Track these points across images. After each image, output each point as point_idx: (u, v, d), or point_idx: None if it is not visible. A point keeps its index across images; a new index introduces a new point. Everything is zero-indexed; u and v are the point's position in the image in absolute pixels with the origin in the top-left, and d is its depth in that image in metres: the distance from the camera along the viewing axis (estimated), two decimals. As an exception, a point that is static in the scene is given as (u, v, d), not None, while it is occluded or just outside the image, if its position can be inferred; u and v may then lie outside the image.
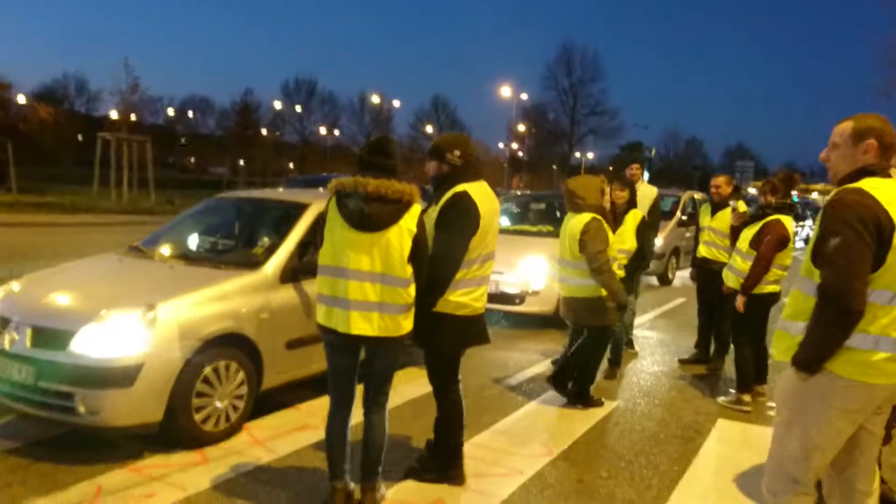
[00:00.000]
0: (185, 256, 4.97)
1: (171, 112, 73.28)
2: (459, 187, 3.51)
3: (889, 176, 2.52)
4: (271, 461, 4.05)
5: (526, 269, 7.70)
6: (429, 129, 65.92)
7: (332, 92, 71.83)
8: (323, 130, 69.80)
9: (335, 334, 3.31)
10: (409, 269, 3.28)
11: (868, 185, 2.46)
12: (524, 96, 56.04)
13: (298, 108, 69.39)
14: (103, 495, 3.51)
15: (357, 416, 3.48)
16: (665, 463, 4.29)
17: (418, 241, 3.31)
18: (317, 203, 5.03)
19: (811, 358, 2.48)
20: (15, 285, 4.60)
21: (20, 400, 3.96)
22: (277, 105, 67.16)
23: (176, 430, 4.01)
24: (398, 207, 3.24)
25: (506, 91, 49.56)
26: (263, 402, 4.60)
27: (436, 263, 3.44)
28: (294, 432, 4.47)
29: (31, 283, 4.63)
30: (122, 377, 3.75)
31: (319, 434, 4.30)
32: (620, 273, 5.50)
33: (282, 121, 69.93)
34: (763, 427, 4.94)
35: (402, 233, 3.23)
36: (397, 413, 3.71)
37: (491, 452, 4.28)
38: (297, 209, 4.99)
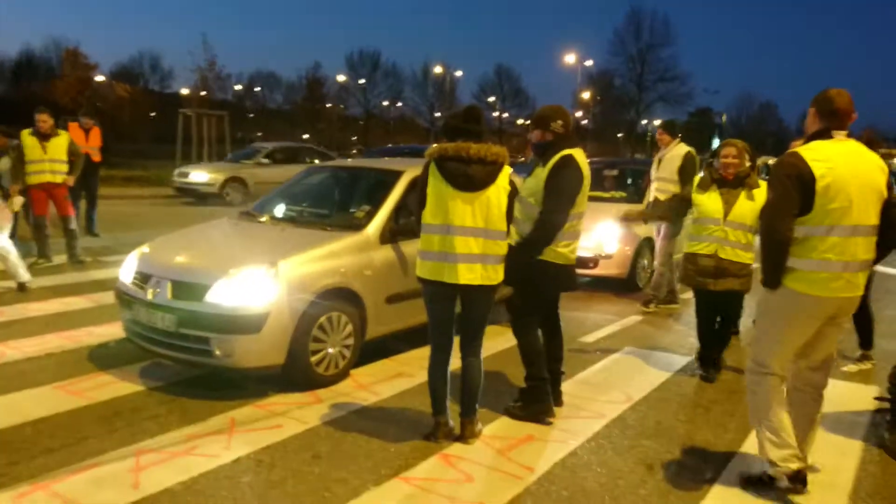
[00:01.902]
0: (293, 220, 5.49)
1: (239, 88, 75.26)
2: (566, 151, 3.98)
3: (829, 138, 3.21)
4: (376, 402, 4.54)
5: (600, 233, 7.98)
6: (492, 98, 65.76)
7: (395, 64, 72.44)
8: (386, 103, 70.48)
9: (440, 285, 3.73)
10: (505, 224, 3.70)
11: (805, 147, 3.23)
12: (589, 63, 55.17)
13: (362, 81, 70.16)
14: (237, 426, 4.06)
15: (454, 363, 3.92)
16: (741, 410, 4.56)
17: (512, 197, 3.73)
18: (410, 171, 5.46)
19: (766, 278, 3.33)
20: (145, 248, 5.19)
21: (163, 345, 4.56)
22: (342, 78, 68.11)
23: (294, 373, 4.54)
24: (495, 168, 3.66)
25: (570, 58, 48.90)
26: (365, 352, 5.09)
27: (548, 217, 3.93)
28: (394, 378, 4.95)
29: (159, 245, 5.22)
30: (251, 324, 4.29)
31: (416, 380, 4.81)
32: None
33: (346, 94, 70.87)
34: (838, 381, 5.14)
35: (499, 191, 3.66)
36: (487, 363, 4.12)
37: (574, 399, 4.66)
38: (393, 176, 5.44)
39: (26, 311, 6.43)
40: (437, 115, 66.33)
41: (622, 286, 8.23)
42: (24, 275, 7.13)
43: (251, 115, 76.93)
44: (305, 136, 63.08)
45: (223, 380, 4.64)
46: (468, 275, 3.65)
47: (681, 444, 4.03)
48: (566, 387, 4.80)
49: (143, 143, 52.74)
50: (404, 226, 5.12)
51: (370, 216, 5.13)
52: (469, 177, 3.61)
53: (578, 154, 4.03)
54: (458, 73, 68.29)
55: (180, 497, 3.23)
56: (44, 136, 8.10)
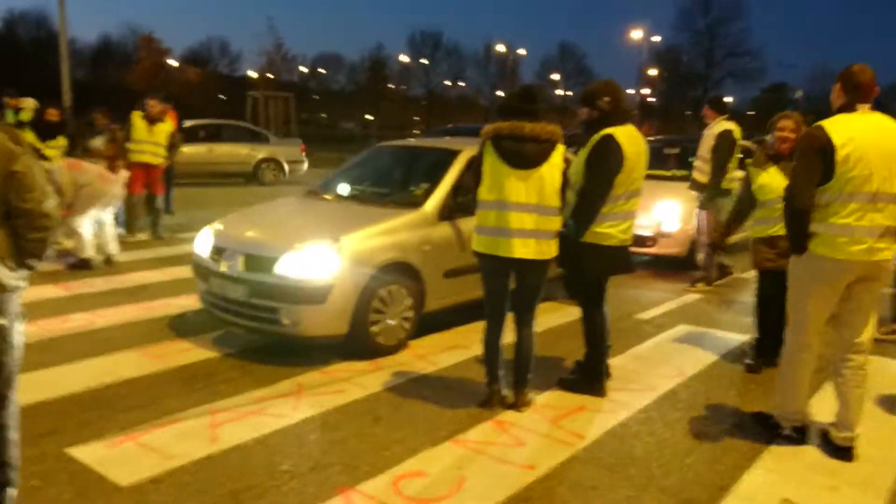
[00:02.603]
0: (356, 197, 5.74)
1: (304, 70, 76.55)
2: (606, 130, 3.96)
3: (853, 111, 3.39)
4: (433, 371, 4.75)
5: (659, 212, 7.95)
6: (555, 76, 64.90)
7: (457, 43, 72.22)
8: (448, 82, 70.46)
9: (495, 259, 3.89)
10: (559, 200, 3.81)
11: (829, 119, 3.40)
12: (656, 39, 53.72)
13: (424, 61, 70.27)
14: (304, 390, 4.34)
15: (508, 335, 4.08)
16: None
17: (565, 174, 3.83)
18: (467, 150, 5.62)
19: (791, 244, 3.55)
20: (218, 224, 5.52)
21: (236, 314, 4.89)
22: (404, 59, 68.40)
23: (356, 342, 4.79)
24: (548, 146, 3.77)
25: (636, 34, 47.74)
26: (423, 325, 5.30)
27: (583, 198, 3.96)
28: (450, 350, 5.15)
29: (232, 222, 5.54)
30: (317, 295, 4.56)
31: (472, 352, 4.99)
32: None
33: (408, 74, 71.15)
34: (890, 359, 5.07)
35: (552, 168, 3.77)
36: (541, 338, 4.26)
37: (627, 373, 4.76)
38: (451, 155, 5.61)
39: (111, 283, 6.91)
40: (499, 94, 65.99)
41: (681, 264, 8.19)
42: (114, 248, 7.67)
43: (315, 97, 78.32)
44: (368, 117, 63.83)
45: (290, 348, 4.93)
46: (522, 249, 3.80)
47: (731, 419, 4.09)
48: (619, 360, 4.91)
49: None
50: (461, 203, 5.28)
51: (428, 194, 5.32)
52: (523, 154, 3.74)
53: (624, 132, 3.99)
54: (521, 52, 67.60)
55: (254, 451, 3.51)
56: (151, 120, 8.64)
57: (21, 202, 2.44)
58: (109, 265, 7.60)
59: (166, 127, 8.89)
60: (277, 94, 24.21)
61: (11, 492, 2.65)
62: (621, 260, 4.22)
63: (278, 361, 4.77)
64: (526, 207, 3.77)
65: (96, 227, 7.55)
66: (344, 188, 5.98)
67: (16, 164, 2.41)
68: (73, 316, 5.69)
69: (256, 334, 5.04)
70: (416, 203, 5.27)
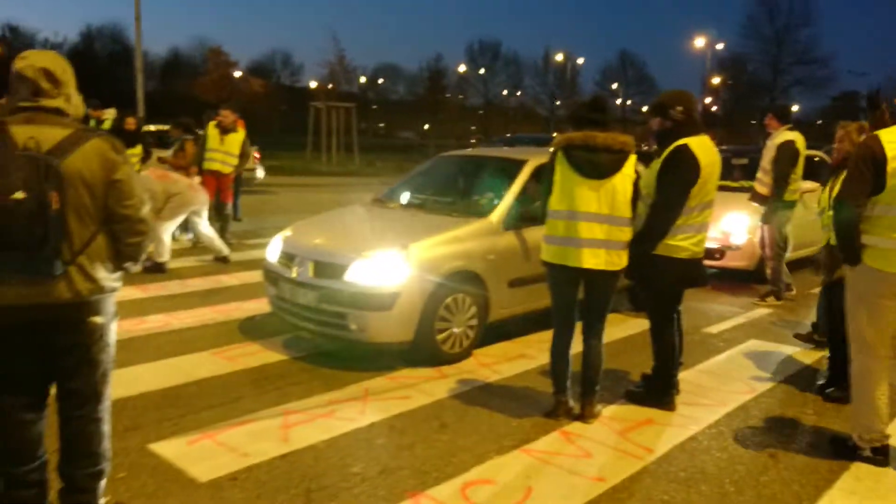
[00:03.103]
0: (421, 206, 5.82)
1: (363, 80, 77.79)
2: (680, 141, 3.92)
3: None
4: (498, 380, 4.77)
5: (727, 224, 7.78)
6: (615, 85, 64.18)
7: (515, 53, 72.24)
8: (505, 92, 70.52)
9: (564, 269, 3.89)
10: (630, 211, 3.78)
11: (885, 129, 3.41)
12: (720, 46, 52.50)
13: (482, 71, 70.54)
14: (370, 395, 4.41)
15: (576, 346, 4.07)
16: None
17: (637, 185, 3.81)
18: (533, 159, 5.64)
19: (844, 256, 3.53)
20: (288, 231, 5.67)
21: (305, 319, 5.01)
22: (462, 69, 68.80)
23: (422, 349, 4.84)
24: (621, 157, 3.75)
25: (700, 42, 46.80)
26: (487, 334, 5.32)
27: (656, 211, 3.92)
28: (515, 359, 5.16)
29: (301, 229, 5.69)
30: (384, 302, 4.63)
31: (537, 362, 4.99)
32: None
33: (466, 84, 71.52)
34: None
35: (625, 178, 3.76)
36: (607, 350, 4.23)
37: (695, 387, 4.67)
38: (517, 165, 5.63)
39: (184, 286, 7.17)
40: (558, 103, 65.67)
41: (750, 278, 7.98)
42: (225, 249, 8.35)
43: (374, 107, 79.50)
44: (426, 127, 64.41)
45: (356, 353, 5.02)
46: (592, 259, 3.78)
47: (806, 438, 3.98)
48: (687, 375, 4.82)
49: (275, 134, 55.84)
50: (527, 213, 5.29)
51: (494, 203, 5.34)
52: (595, 164, 3.74)
53: (699, 142, 3.94)
54: (580, 61, 67.09)
55: (324, 453, 3.59)
56: (224, 130, 8.97)
57: (121, 208, 2.58)
58: (227, 263, 8.20)
59: (238, 137, 9.19)
60: (339, 104, 24.67)
61: (102, 482, 2.78)
62: (694, 273, 4.16)
63: (345, 366, 4.86)
64: (597, 217, 3.76)
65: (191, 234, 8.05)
66: (409, 197, 6.07)
67: (117, 172, 2.55)
68: (150, 317, 5.93)
69: (324, 339, 5.15)
70: (482, 212, 5.31)
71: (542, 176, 4.17)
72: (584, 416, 4.06)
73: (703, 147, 3.97)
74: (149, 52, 58.40)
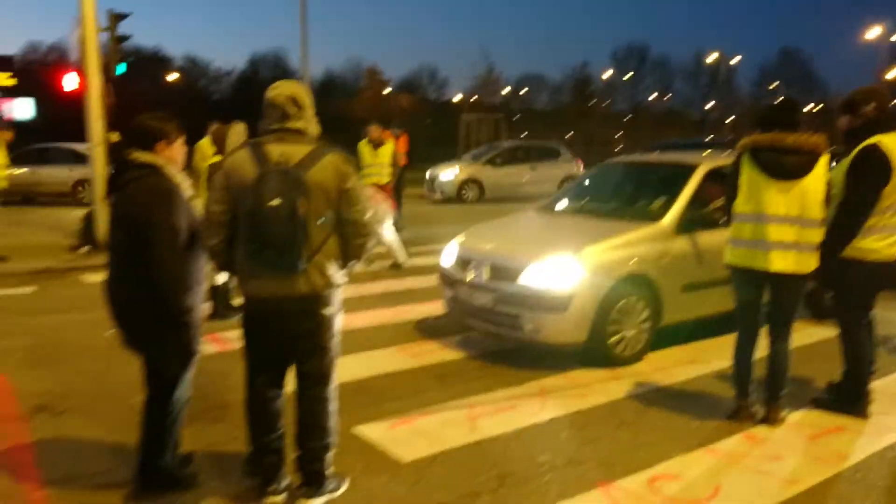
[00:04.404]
0: (591, 212, 5.95)
1: (506, 91, 78.41)
2: (872, 140, 3.80)
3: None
4: (673, 383, 4.79)
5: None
6: (774, 84, 60.22)
7: (664, 55, 69.81)
8: (654, 96, 68.25)
9: (750, 272, 3.88)
10: (822, 212, 3.71)
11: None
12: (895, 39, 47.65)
13: (629, 76, 68.80)
14: (548, 392, 4.60)
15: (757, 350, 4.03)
16: None
17: (828, 186, 3.73)
18: (704, 164, 5.60)
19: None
20: (461, 238, 6.00)
21: (481, 320, 5.30)
22: (607, 74, 67.49)
23: (595, 351, 4.97)
24: (811, 157, 3.69)
25: (872, 33, 42.83)
26: (660, 338, 5.34)
27: (844, 212, 3.82)
28: (689, 364, 5.14)
29: (474, 235, 6.00)
30: (558, 304, 4.82)
31: (712, 367, 4.96)
32: None
33: (612, 90, 70.06)
34: None
35: (816, 180, 3.70)
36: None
37: (890, 396, 4.42)
38: (687, 169, 5.61)
39: (360, 290, 7.73)
40: (710, 105, 62.66)
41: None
42: (402, 256, 8.92)
43: (517, 117, 79.92)
44: (569, 135, 63.77)
45: (530, 353, 5.24)
46: (781, 262, 3.75)
47: None
48: (880, 383, 4.58)
49: (422, 146, 57.63)
50: (700, 216, 5.27)
51: (666, 208, 5.37)
52: (785, 166, 3.71)
53: (891, 140, 3.79)
54: (734, 61, 63.54)
55: (510, 443, 3.83)
56: (375, 145, 9.64)
57: (350, 213, 2.97)
58: (399, 269, 8.79)
59: (387, 148, 9.80)
60: (488, 115, 25.25)
61: (330, 454, 3.19)
62: (887, 276, 3.98)
63: (520, 365, 5.09)
64: (786, 219, 3.72)
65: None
66: (577, 203, 6.22)
67: (348, 182, 2.94)
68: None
69: (498, 339, 5.41)
70: (654, 217, 5.35)
71: (723, 179, 4.19)
72: (769, 420, 4.00)
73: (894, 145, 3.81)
74: (305, 74, 62.55)
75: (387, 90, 59.26)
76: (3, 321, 6.43)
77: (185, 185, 3.10)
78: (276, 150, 2.88)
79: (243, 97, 62.71)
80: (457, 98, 46.68)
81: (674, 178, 5.63)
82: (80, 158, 16.43)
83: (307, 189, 2.82)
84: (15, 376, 4.89)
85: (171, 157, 3.12)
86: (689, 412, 4.23)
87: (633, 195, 6.14)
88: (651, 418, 4.15)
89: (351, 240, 3.02)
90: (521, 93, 79.65)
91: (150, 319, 2.96)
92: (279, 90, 2.98)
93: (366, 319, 6.41)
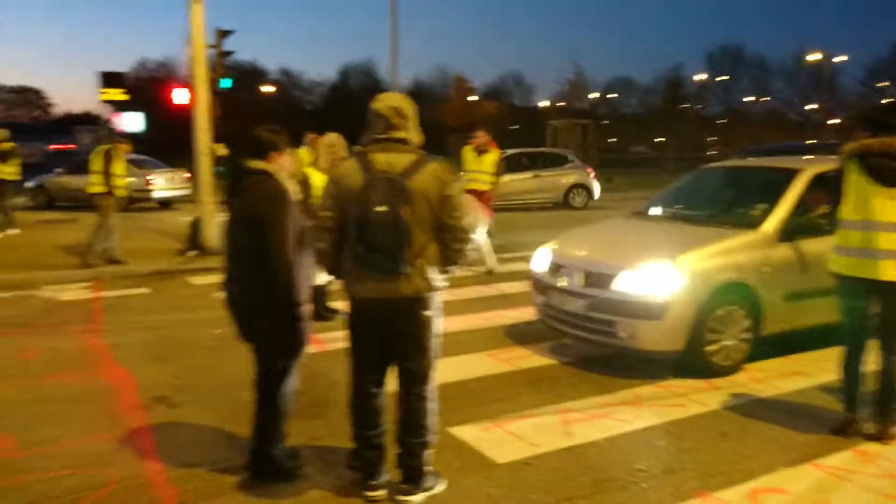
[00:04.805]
0: (686, 218, 5.83)
1: (594, 96, 77.21)
2: None
3: None
4: (774, 395, 4.63)
5: None
6: (885, 83, 56.56)
7: (761, 56, 66.88)
8: (749, 98, 65.54)
9: (857, 281, 3.72)
10: None
11: None
12: None
13: (723, 78, 66.35)
14: (642, 400, 4.55)
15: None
16: None
17: None
18: (809, 168, 5.40)
19: None
20: (553, 244, 6.00)
21: (573, 326, 5.30)
22: (701, 77, 65.33)
23: (691, 360, 4.87)
24: None
25: None
26: (760, 348, 5.17)
27: None
28: (790, 376, 4.96)
29: (566, 241, 6.00)
30: (655, 312, 4.76)
31: (816, 379, 4.79)
32: None
33: (705, 92, 67.80)
34: None
35: None
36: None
37: None
38: (790, 174, 5.42)
39: (446, 295, 7.85)
40: (811, 107, 59.56)
41: None
42: (493, 262, 9.02)
43: (604, 122, 78.47)
44: (659, 139, 62.06)
45: (622, 361, 5.19)
46: (892, 271, 3.58)
47: None
48: None
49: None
50: (804, 224, 5.08)
51: (768, 214, 5.20)
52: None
53: None
54: (837, 60, 60.12)
55: (606, 449, 3.83)
56: (479, 151, 9.73)
57: (450, 219, 3.07)
58: (490, 275, 8.86)
59: (492, 156, 9.82)
60: (577, 121, 25.04)
61: (429, 451, 3.29)
62: None
63: (613, 372, 5.05)
64: (898, 227, 3.56)
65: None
66: (672, 209, 6.11)
67: (449, 189, 3.05)
68: (428, 321, 6.62)
69: (591, 345, 5.39)
70: (754, 223, 5.20)
71: (827, 185, 4.04)
72: (882, 436, 3.82)
73: None
74: (395, 83, 63.90)
75: (473, 97, 59.64)
76: (124, 319, 6.94)
77: (293, 190, 3.32)
78: (382, 160, 3.02)
79: (335, 106, 64.90)
80: (543, 104, 46.38)
81: (776, 183, 5.44)
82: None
83: (410, 196, 2.95)
84: (136, 370, 5.28)
85: (281, 165, 3.34)
86: (792, 425, 4.09)
87: (731, 201, 5.96)
88: (753, 431, 4.04)
89: (450, 244, 3.12)
90: (609, 97, 78.38)
91: (266, 312, 3.18)
92: (384, 102, 3.12)
93: (457, 324, 6.51)
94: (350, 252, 3.06)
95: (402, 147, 3.09)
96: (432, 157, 3.09)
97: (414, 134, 3.16)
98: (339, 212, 3.10)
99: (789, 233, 5.11)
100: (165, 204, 18.53)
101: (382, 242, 2.92)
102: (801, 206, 5.21)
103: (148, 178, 17.82)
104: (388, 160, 3.02)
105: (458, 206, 3.09)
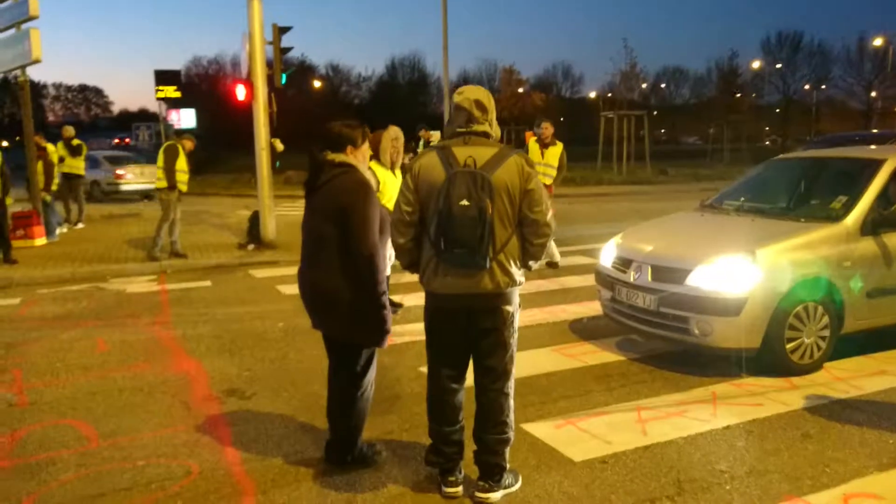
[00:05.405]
0: (760, 211, 5.63)
1: (644, 86, 75.63)
2: None
3: None
4: (858, 395, 4.44)
5: None
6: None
7: (821, 42, 64.45)
8: (808, 86, 63.33)
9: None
10: None
11: None
12: None
13: (780, 66, 64.28)
14: (719, 399, 4.42)
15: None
16: None
17: None
18: (893, 158, 5.15)
19: None
20: (619, 238, 5.88)
21: (643, 322, 5.18)
22: (756, 65, 63.41)
23: (769, 358, 4.72)
24: None
25: None
26: (840, 347, 4.97)
27: None
28: (875, 375, 4.76)
29: (633, 235, 5.87)
30: (731, 308, 4.61)
31: (901, 379, 4.55)
32: None
33: (761, 81, 65.75)
34: None
35: None
36: None
37: None
38: (873, 165, 5.19)
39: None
40: (874, 94, 57.25)
41: None
42: (556, 255, 8.78)
43: (655, 113, 76.87)
44: (711, 130, 60.51)
45: (694, 357, 5.05)
46: None
47: None
48: None
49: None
50: (888, 217, 4.86)
51: (849, 206, 4.99)
52: None
53: None
54: (906, 44, 57.46)
55: (685, 448, 3.72)
56: (544, 145, 9.59)
57: (531, 213, 3.02)
58: (555, 268, 8.66)
59: (556, 150, 9.64)
60: (630, 112, 24.57)
61: (508, 448, 3.25)
62: None
63: (686, 370, 4.92)
64: None
65: None
66: (744, 202, 5.91)
67: (530, 183, 2.99)
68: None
69: (660, 342, 5.27)
70: (834, 216, 4.99)
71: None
72: (981, 441, 3.63)
73: None
74: (440, 76, 63.88)
75: (522, 89, 59.10)
76: (191, 311, 7.09)
77: (372, 182, 3.32)
78: (464, 153, 2.98)
79: (383, 100, 65.30)
80: (592, 94, 45.70)
81: (856, 175, 5.22)
82: None
83: (493, 190, 2.90)
84: (205, 362, 5.39)
85: (358, 158, 3.35)
86: (882, 426, 3.92)
87: (808, 193, 5.75)
88: (837, 432, 3.88)
89: (532, 239, 3.07)
90: (662, 87, 76.82)
91: (350, 300, 3.20)
92: (465, 95, 3.08)
93: (521, 318, 6.44)
94: (431, 247, 3.04)
95: (483, 140, 3.05)
96: (514, 150, 3.04)
97: (494, 127, 3.11)
98: (419, 206, 3.07)
99: (872, 226, 4.90)
100: (149, 197, 18.73)
101: (464, 237, 2.88)
102: (885, 198, 4.98)
103: (117, 171, 19.52)
104: (470, 153, 2.98)
105: (540, 200, 3.03)
